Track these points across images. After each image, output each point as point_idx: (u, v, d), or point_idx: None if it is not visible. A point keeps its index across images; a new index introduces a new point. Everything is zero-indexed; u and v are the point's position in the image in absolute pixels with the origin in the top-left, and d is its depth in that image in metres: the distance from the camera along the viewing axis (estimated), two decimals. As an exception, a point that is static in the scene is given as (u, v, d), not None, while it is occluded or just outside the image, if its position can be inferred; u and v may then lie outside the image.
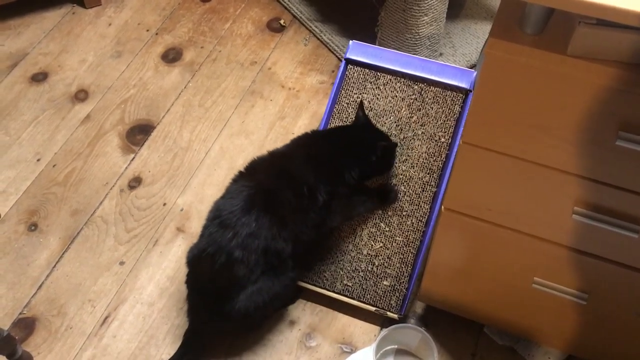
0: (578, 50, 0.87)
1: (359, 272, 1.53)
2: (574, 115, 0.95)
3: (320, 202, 1.37)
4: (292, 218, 1.35)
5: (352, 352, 1.50)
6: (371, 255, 1.53)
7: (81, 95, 1.99)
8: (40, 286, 1.60)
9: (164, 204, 1.75)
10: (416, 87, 1.58)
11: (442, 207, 1.21)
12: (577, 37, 0.86)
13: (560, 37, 0.90)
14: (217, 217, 1.34)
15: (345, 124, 1.61)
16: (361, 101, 1.52)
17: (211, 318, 1.39)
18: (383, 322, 1.54)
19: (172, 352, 1.44)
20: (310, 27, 2.16)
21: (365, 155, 1.43)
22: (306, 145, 1.47)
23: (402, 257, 1.51)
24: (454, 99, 1.55)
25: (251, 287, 1.33)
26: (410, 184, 1.54)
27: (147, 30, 2.18)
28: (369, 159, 1.43)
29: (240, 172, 1.42)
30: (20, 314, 1.55)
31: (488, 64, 0.95)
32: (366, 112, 1.59)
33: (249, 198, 1.33)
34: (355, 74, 1.63)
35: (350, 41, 1.64)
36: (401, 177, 1.55)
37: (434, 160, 1.53)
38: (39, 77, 2.04)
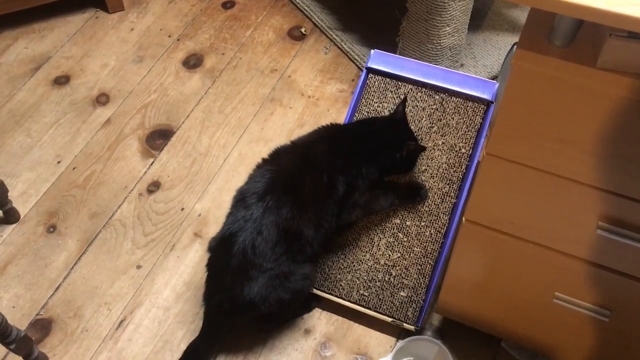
0: (608, 63, 0.86)
1: (375, 282, 1.52)
2: (602, 128, 0.93)
3: (340, 192, 1.37)
4: (313, 202, 1.35)
5: (367, 363, 1.49)
6: (388, 266, 1.52)
7: (102, 99, 2.01)
8: (58, 288, 1.61)
9: (182, 209, 1.76)
10: (437, 97, 1.57)
11: (463, 218, 1.20)
12: (607, 50, 0.84)
13: (589, 49, 0.89)
14: (240, 200, 1.35)
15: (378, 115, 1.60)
16: (405, 97, 1.51)
17: (228, 303, 1.36)
18: (399, 333, 1.53)
19: (187, 358, 1.44)
20: (331, 35, 2.16)
21: (388, 151, 1.42)
22: (330, 135, 1.47)
23: (419, 268, 1.50)
24: (475, 110, 1.54)
25: (271, 272, 1.32)
26: (429, 194, 1.52)
27: (169, 36, 2.19)
28: (391, 156, 1.42)
29: (264, 159, 1.43)
30: (37, 315, 1.56)
31: (515, 76, 0.94)
32: (386, 121, 1.58)
33: (271, 180, 1.35)
34: (376, 83, 1.63)
35: (372, 50, 1.64)
36: (420, 187, 1.54)
37: (454, 171, 1.52)
38: (62, 80, 2.06)
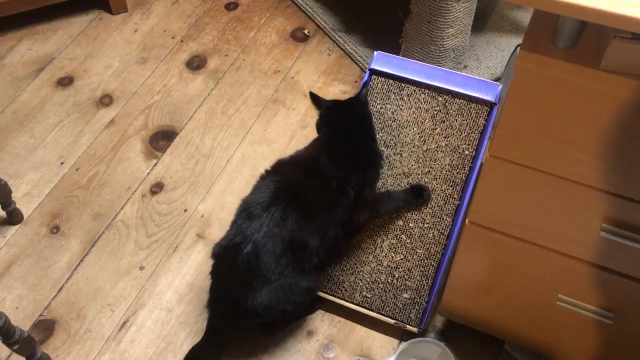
0: (612, 65, 0.86)
1: (378, 283, 1.52)
2: (605, 130, 0.93)
3: (350, 195, 1.38)
4: (319, 212, 1.36)
5: (370, 364, 1.48)
6: (391, 267, 1.52)
7: (106, 100, 2.01)
8: (61, 289, 1.61)
9: (185, 210, 1.76)
10: (440, 98, 1.57)
11: (467, 220, 1.20)
12: (611, 52, 0.84)
13: (593, 51, 0.89)
14: (245, 211, 1.36)
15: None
16: (310, 92, 1.56)
17: (232, 312, 1.36)
18: (402, 335, 1.52)
19: (190, 359, 1.45)
20: (334, 37, 2.16)
21: (363, 120, 1.50)
22: (328, 142, 1.47)
23: (422, 269, 1.50)
24: (478, 111, 1.54)
25: (275, 283, 1.32)
26: (432, 195, 1.52)
27: (172, 37, 2.20)
28: (369, 118, 1.52)
29: (267, 171, 1.44)
30: (40, 315, 1.56)
31: (518, 77, 0.94)
32: (389, 122, 1.59)
33: (277, 191, 1.35)
34: (379, 85, 1.62)
35: (375, 51, 1.64)
36: (423, 189, 1.54)
37: (457, 173, 1.52)
38: (65, 82, 2.06)
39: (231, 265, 1.33)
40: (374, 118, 1.57)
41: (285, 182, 1.37)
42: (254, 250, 1.30)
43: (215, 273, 1.41)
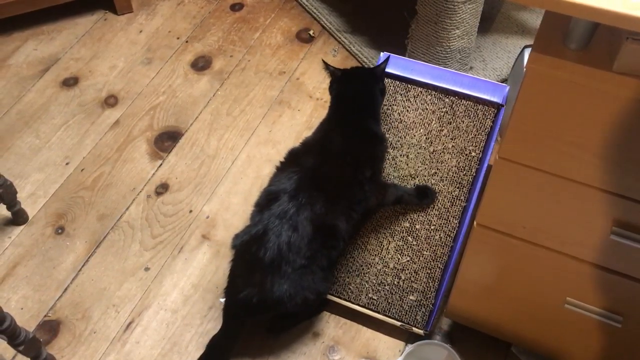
0: (624, 67, 0.85)
1: (384, 285, 1.51)
2: (616, 133, 0.92)
3: (367, 171, 1.39)
4: (342, 192, 1.38)
5: (376, 367, 1.48)
6: (398, 269, 1.51)
7: (111, 101, 2.01)
8: (66, 289, 1.61)
9: (190, 211, 1.75)
10: (447, 100, 1.57)
11: (475, 222, 1.19)
12: (623, 54, 0.84)
13: (605, 52, 0.88)
14: (273, 200, 1.36)
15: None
16: (322, 59, 1.57)
17: (255, 299, 1.34)
18: (408, 337, 1.52)
19: (195, 360, 1.44)
20: (340, 38, 2.16)
21: (373, 94, 1.49)
22: (335, 120, 1.49)
23: (429, 271, 1.49)
24: (485, 113, 1.54)
25: (302, 269, 1.33)
26: (439, 197, 1.52)
27: (178, 38, 2.19)
28: (376, 96, 1.50)
29: (282, 162, 1.44)
30: (45, 316, 1.56)
31: (529, 79, 0.93)
32: (396, 123, 1.58)
33: (300, 180, 1.36)
34: (385, 86, 1.62)
35: (382, 53, 1.64)
36: (430, 190, 1.53)
37: (464, 175, 1.51)
38: (70, 82, 2.06)
39: (260, 251, 1.33)
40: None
41: (306, 170, 1.38)
42: (285, 235, 1.31)
43: (239, 260, 1.40)
